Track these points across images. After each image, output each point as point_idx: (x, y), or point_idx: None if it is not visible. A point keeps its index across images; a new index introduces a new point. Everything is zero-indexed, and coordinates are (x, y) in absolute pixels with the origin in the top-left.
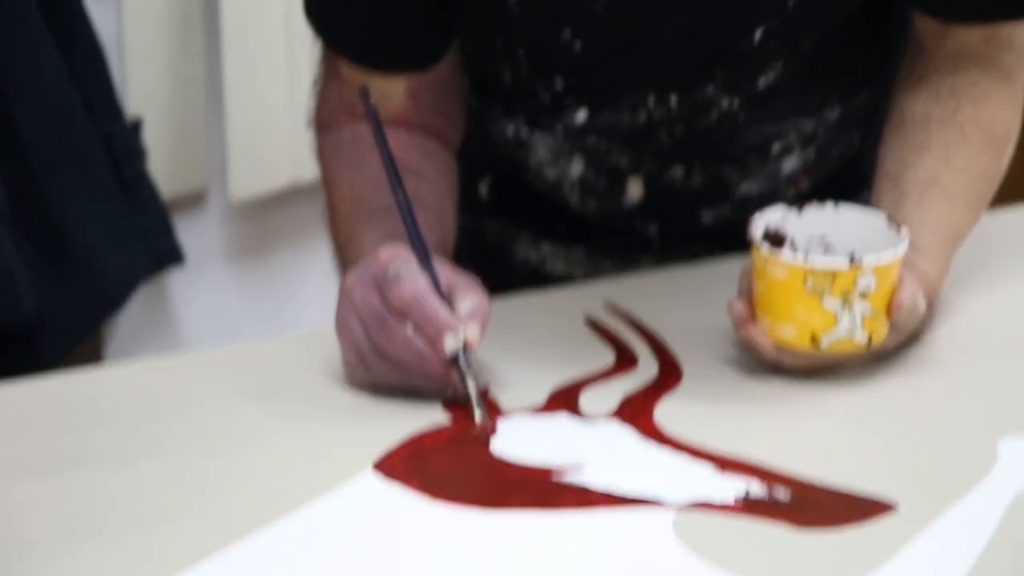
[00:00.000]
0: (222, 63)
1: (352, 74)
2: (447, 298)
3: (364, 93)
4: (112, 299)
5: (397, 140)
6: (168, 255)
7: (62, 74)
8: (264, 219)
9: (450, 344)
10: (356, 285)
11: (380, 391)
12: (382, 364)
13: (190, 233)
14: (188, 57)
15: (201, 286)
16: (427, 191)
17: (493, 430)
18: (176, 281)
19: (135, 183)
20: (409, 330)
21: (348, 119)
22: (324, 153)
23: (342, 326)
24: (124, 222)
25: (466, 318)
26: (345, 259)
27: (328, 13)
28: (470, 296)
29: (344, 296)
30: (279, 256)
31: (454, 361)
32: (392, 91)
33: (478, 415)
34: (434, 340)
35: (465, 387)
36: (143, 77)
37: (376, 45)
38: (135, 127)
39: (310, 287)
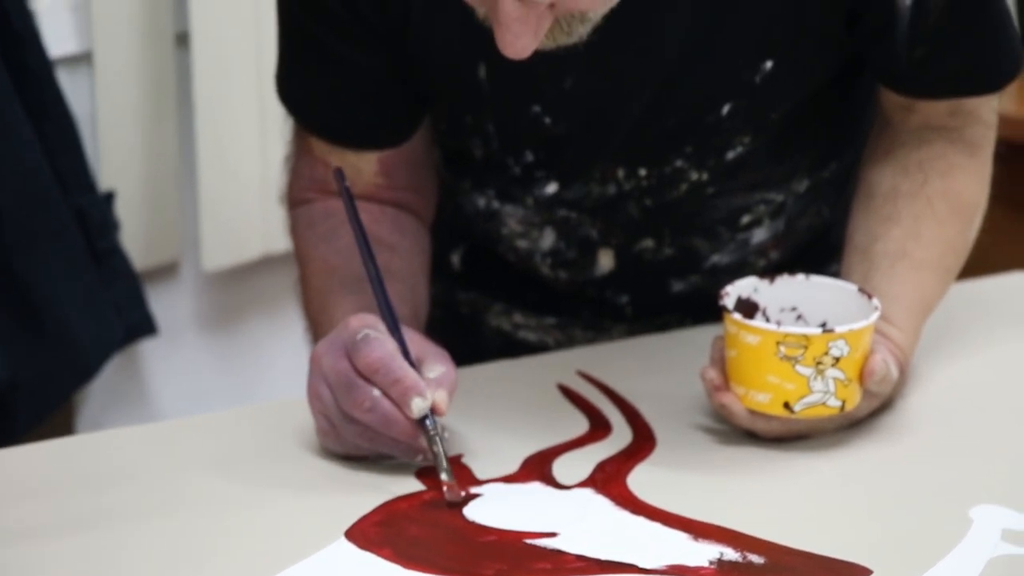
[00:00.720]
0: (195, 135)
1: (323, 151)
2: (416, 366)
3: (338, 174)
4: (84, 369)
5: (369, 214)
6: (141, 325)
7: (35, 147)
8: (236, 289)
9: (418, 405)
10: (326, 352)
11: (353, 458)
12: (351, 429)
13: (163, 303)
14: (161, 130)
15: (173, 356)
16: (399, 264)
17: (461, 495)
18: (148, 351)
19: (108, 255)
20: (376, 393)
21: (320, 195)
22: (297, 228)
23: (313, 394)
24: (97, 293)
25: (434, 383)
26: (318, 331)
27: (298, 91)
28: (439, 365)
29: (314, 364)
30: (251, 326)
31: (422, 424)
32: (363, 167)
33: (445, 476)
34: (401, 402)
35: (433, 451)
36: (116, 150)
37: (346, 123)
38: (108, 199)
39: (282, 357)
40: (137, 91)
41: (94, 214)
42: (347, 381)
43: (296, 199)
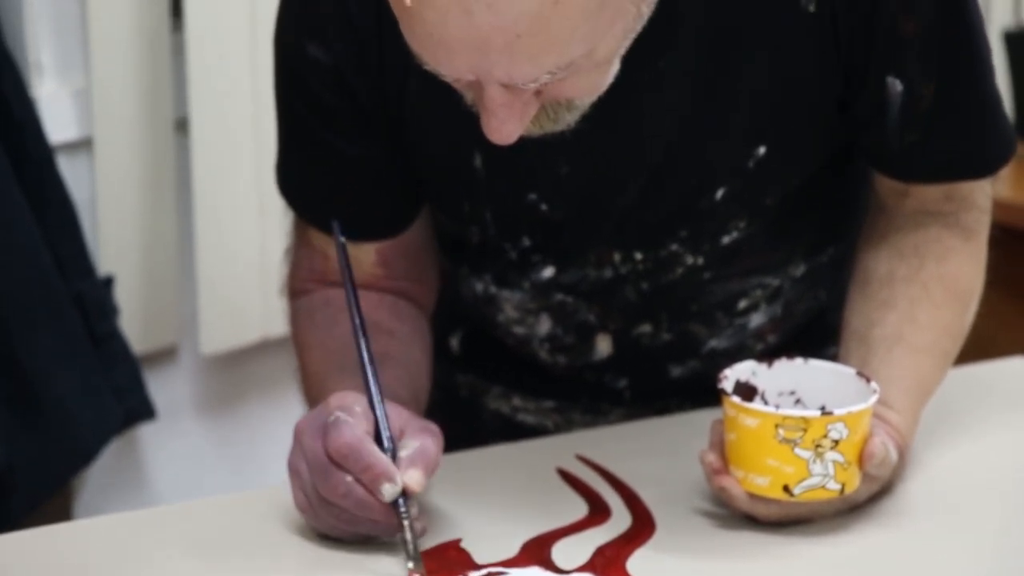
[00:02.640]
0: (193, 220)
1: (322, 242)
2: (395, 440)
3: (338, 238)
4: (83, 453)
5: (368, 301)
6: (139, 410)
7: (34, 232)
8: (235, 373)
9: (388, 491)
10: (306, 430)
11: (333, 537)
12: (328, 510)
13: (161, 387)
14: (160, 214)
15: (172, 440)
16: (399, 348)
17: None
18: (147, 435)
19: (107, 339)
20: (349, 479)
21: (319, 286)
22: (297, 319)
23: (292, 469)
24: (96, 378)
25: (406, 464)
26: None
27: (296, 183)
28: (415, 440)
29: (296, 440)
30: (250, 409)
31: (395, 508)
32: (362, 258)
33: (411, 565)
34: (372, 488)
35: (403, 534)
36: (115, 235)
37: (343, 215)
38: (107, 284)
39: (281, 440)
40: (137, 177)
41: (93, 298)
42: (322, 466)
43: (296, 290)
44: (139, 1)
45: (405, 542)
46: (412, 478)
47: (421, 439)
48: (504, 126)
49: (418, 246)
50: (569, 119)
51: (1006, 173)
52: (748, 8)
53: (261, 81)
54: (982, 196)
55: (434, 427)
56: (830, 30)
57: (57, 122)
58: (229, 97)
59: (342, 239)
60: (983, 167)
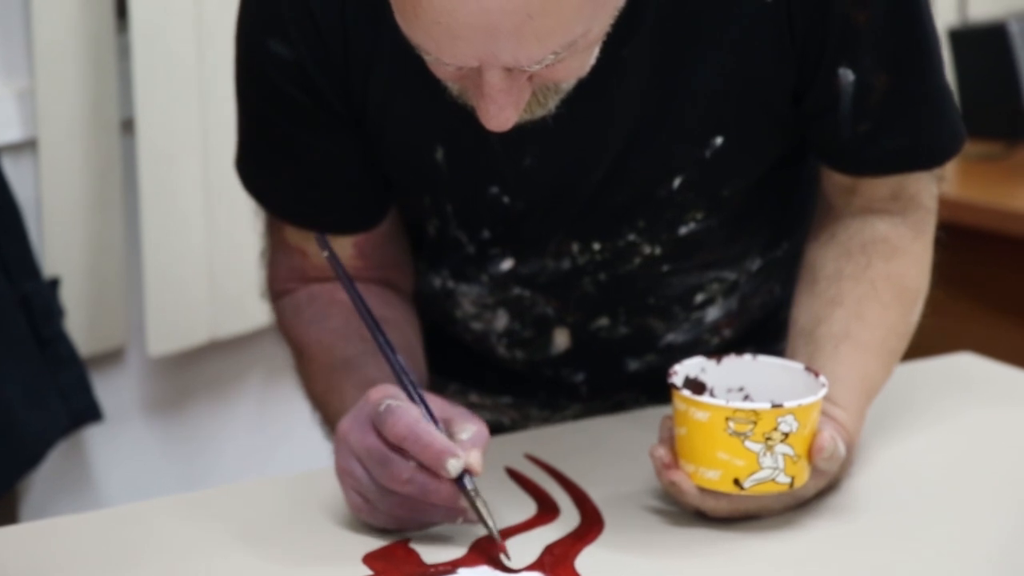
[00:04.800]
0: (140, 221)
1: (298, 239)
2: (444, 428)
3: (322, 242)
4: (29, 457)
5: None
6: (86, 412)
7: None
8: (182, 374)
9: (453, 465)
10: (351, 429)
11: (390, 529)
12: (390, 501)
13: (108, 389)
14: (106, 216)
15: (119, 442)
16: (395, 336)
17: (507, 552)
18: (94, 437)
19: (53, 341)
20: (412, 463)
21: (301, 284)
22: (284, 318)
23: (343, 471)
24: (42, 380)
25: (468, 445)
26: (327, 411)
27: (266, 181)
28: (470, 424)
29: (340, 442)
30: (198, 411)
31: (460, 485)
32: (341, 252)
33: (493, 531)
34: (436, 466)
35: (475, 509)
36: (61, 236)
37: (318, 210)
38: (52, 286)
39: (229, 441)
40: (82, 178)
41: (39, 301)
42: (380, 456)
43: (278, 291)
44: (84, 2)
45: (479, 513)
46: (476, 458)
47: (475, 423)
48: (503, 112)
49: (393, 234)
50: (553, 103)
51: (951, 171)
52: None
53: (207, 82)
54: (928, 196)
55: (473, 413)
56: (785, 20)
57: (1, 123)
58: (175, 98)
59: (327, 246)
60: (931, 158)
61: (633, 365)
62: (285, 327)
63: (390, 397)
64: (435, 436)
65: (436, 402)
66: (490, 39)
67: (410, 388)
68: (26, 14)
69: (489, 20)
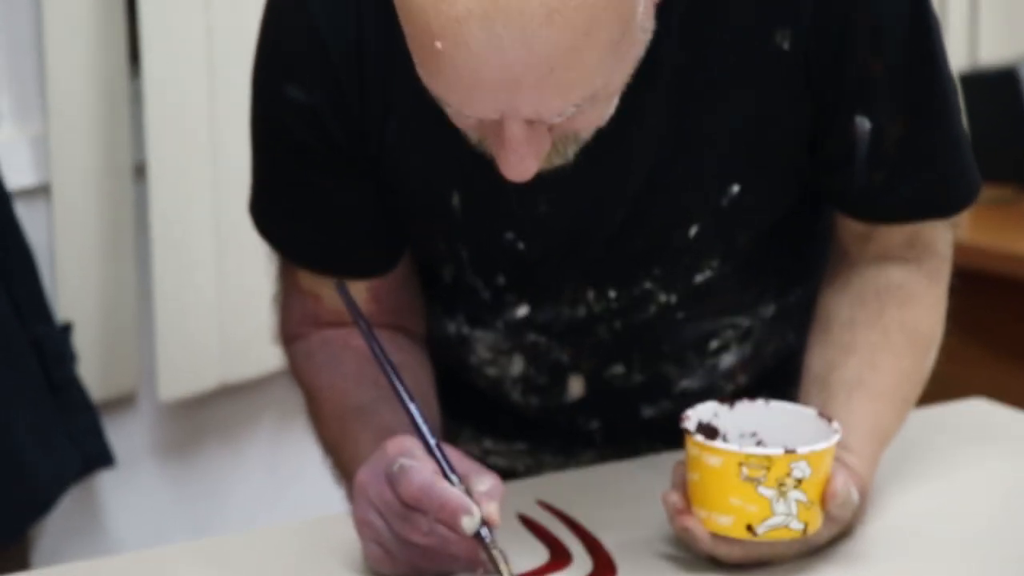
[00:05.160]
0: (152, 266)
1: (312, 284)
2: (463, 480)
3: (342, 290)
4: (41, 502)
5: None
6: (98, 457)
7: None
8: (193, 419)
9: (467, 524)
10: (370, 482)
11: None
12: (409, 551)
13: (120, 434)
14: (118, 261)
15: (131, 487)
16: (410, 381)
17: None
18: (106, 482)
19: (65, 386)
20: (429, 519)
21: (313, 328)
22: (297, 362)
23: (361, 522)
24: (54, 425)
25: (485, 498)
26: (340, 457)
27: (280, 225)
28: (486, 477)
29: (359, 493)
30: (209, 456)
31: (479, 538)
32: (355, 296)
33: None
34: (452, 524)
35: (492, 560)
36: (73, 281)
37: (332, 255)
38: (65, 330)
39: (241, 486)
40: (95, 223)
41: (51, 345)
42: (398, 511)
43: (290, 335)
44: (97, 47)
45: (496, 563)
46: (493, 510)
47: (490, 476)
48: (523, 163)
49: (406, 279)
50: (572, 152)
51: (968, 217)
52: (724, 45)
53: (219, 127)
54: (943, 243)
55: (488, 468)
56: (802, 68)
57: (15, 168)
58: (187, 143)
59: (346, 293)
60: (947, 207)
61: (648, 412)
62: (298, 372)
63: (406, 453)
64: (450, 494)
65: (452, 454)
66: (512, 93)
67: (428, 440)
68: (40, 59)
69: (511, 74)
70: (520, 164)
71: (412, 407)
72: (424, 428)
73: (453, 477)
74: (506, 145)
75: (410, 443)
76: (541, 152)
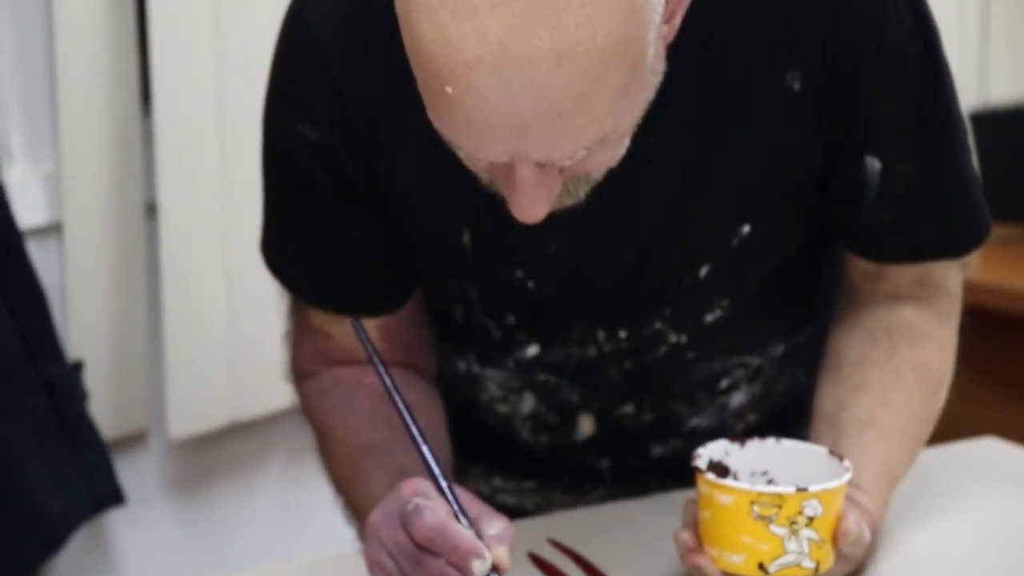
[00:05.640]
0: (162, 304)
1: (323, 322)
2: (474, 523)
3: (358, 329)
4: (52, 540)
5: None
6: (109, 495)
7: (3, 317)
8: (204, 457)
9: (478, 568)
10: (382, 523)
11: None
12: None
13: (130, 472)
14: (129, 299)
15: (142, 524)
16: (422, 420)
17: None
18: (116, 520)
19: (76, 424)
20: (442, 561)
21: (324, 367)
22: (308, 401)
23: (373, 563)
24: (65, 463)
25: (495, 542)
26: (352, 496)
27: (291, 263)
28: (497, 521)
29: (371, 534)
30: (219, 493)
31: None
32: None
33: None
34: (463, 567)
35: None
36: (84, 319)
37: (342, 293)
38: (76, 369)
39: (251, 524)
40: (106, 261)
41: (62, 383)
42: (410, 553)
43: (301, 373)
44: (109, 86)
45: None
46: (503, 554)
47: (501, 520)
48: (534, 205)
49: (417, 317)
50: (583, 192)
51: (978, 256)
52: (734, 85)
53: (230, 166)
54: (953, 282)
55: (498, 512)
56: (812, 109)
57: (27, 206)
58: (198, 181)
59: (362, 331)
60: (957, 247)
61: (658, 451)
62: (309, 410)
63: (420, 494)
64: (462, 537)
65: (464, 496)
66: (522, 137)
67: (440, 482)
68: (52, 99)
69: (521, 119)
70: (531, 207)
71: (425, 448)
72: (436, 469)
73: (464, 520)
74: (517, 188)
75: (424, 485)
76: (552, 194)
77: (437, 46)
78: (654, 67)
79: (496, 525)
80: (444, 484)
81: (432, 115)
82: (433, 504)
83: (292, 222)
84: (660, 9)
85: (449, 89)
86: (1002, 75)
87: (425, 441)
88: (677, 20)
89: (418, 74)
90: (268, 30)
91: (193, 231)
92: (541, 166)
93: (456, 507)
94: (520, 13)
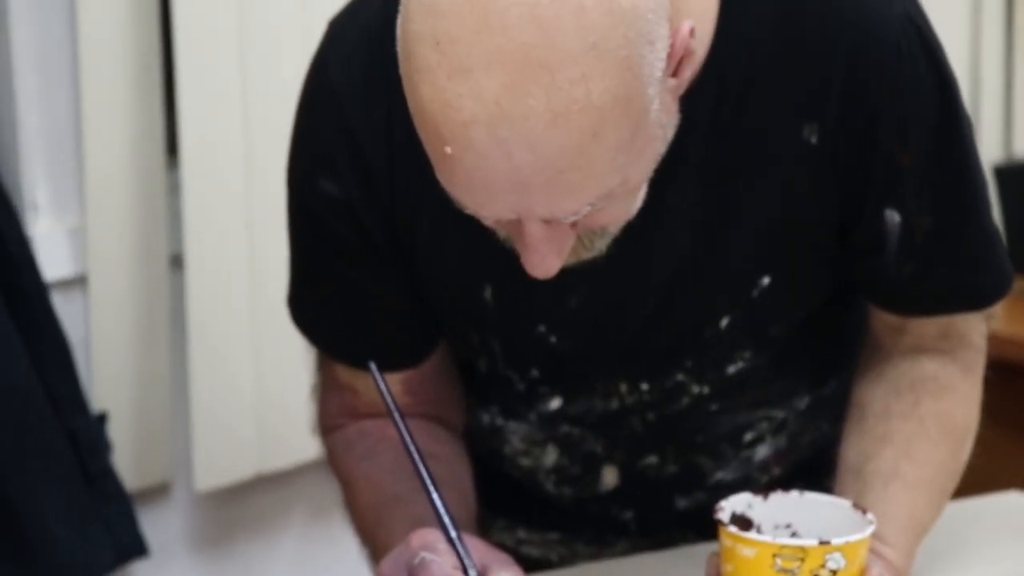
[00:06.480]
0: (188, 356)
1: (348, 376)
2: (482, 574)
3: (375, 374)
4: None
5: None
6: (132, 547)
7: (28, 369)
8: (229, 510)
9: None
10: (392, 573)
11: None
12: None
13: (154, 524)
14: (154, 351)
15: None
16: (446, 472)
17: None
18: (140, 573)
19: (100, 476)
20: None
21: (351, 420)
22: (335, 453)
23: None
24: (88, 515)
25: None
26: (375, 546)
27: (315, 318)
28: (504, 572)
29: None
30: (244, 547)
31: None
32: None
33: None
34: None
35: None
36: (109, 371)
37: (365, 348)
38: (100, 421)
39: None
40: (131, 313)
41: (86, 436)
42: None
43: (328, 427)
44: (135, 139)
45: None
46: None
47: (508, 571)
48: (545, 260)
49: (442, 370)
50: (602, 245)
51: (1002, 308)
52: (750, 138)
53: (256, 218)
54: (977, 335)
55: (511, 559)
56: (830, 161)
57: (52, 259)
58: (224, 234)
59: (379, 379)
60: (980, 300)
61: (682, 503)
62: (335, 462)
63: (429, 546)
64: None
65: (477, 546)
66: (523, 194)
67: (449, 531)
68: (78, 151)
69: (520, 177)
70: (542, 262)
71: (436, 496)
72: (446, 518)
73: (472, 572)
74: (527, 244)
75: (434, 536)
76: (564, 249)
77: (436, 106)
78: (661, 120)
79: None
80: (454, 534)
81: (438, 175)
82: (439, 558)
83: (315, 277)
84: (661, 64)
85: (448, 149)
86: None
87: (437, 489)
88: (687, 74)
89: (421, 135)
90: (295, 82)
91: (220, 283)
92: (548, 222)
93: (464, 558)
94: (514, 72)
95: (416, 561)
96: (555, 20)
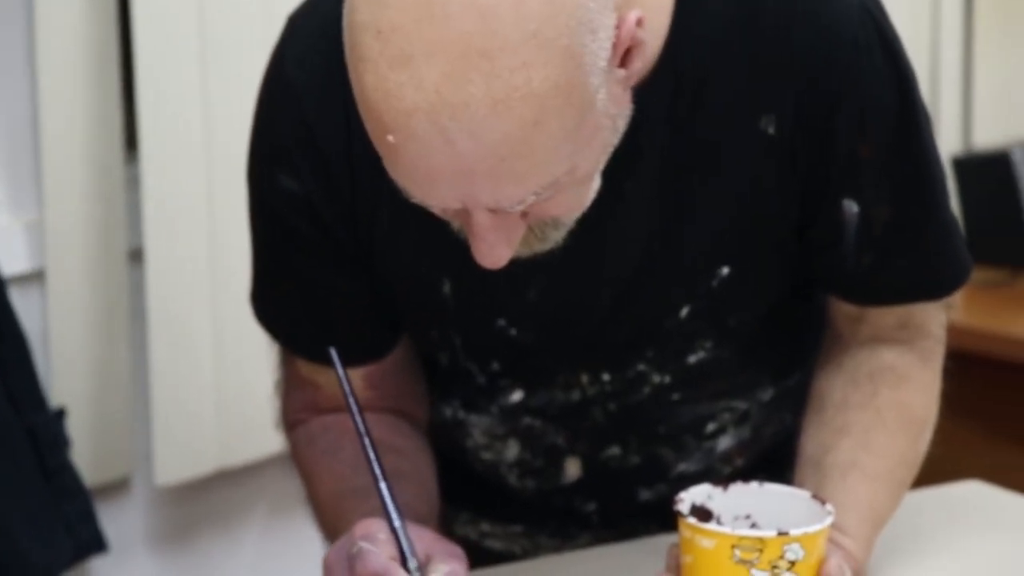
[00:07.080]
0: (148, 351)
1: (310, 371)
2: (424, 565)
3: (332, 353)
4: None
5: (368, 422)
6: (91, 543)
7: None
8: (190, 505)
9: None
10: (334, 564)
11: None
12: None
13: (114, 520)
14: (113, 346)
15: (124, 573)
16: (408, 465)
17: None
18: (99, 569)
19: (58, 472)
20: None
21: (313, 415)
22: (297, 448)
23: None
24: (47, 511)
25: None
26: (335, 539)
27: (276, 312)
28: (445, 565)
29: (325, 572)
30: (204, 542)
31: None
32: (352, 383)
33: None
34: None
35: None
36: (67, 366)
37: (326, 342)
38: (59, 416)
39: (236, 573)
40: (90, 308)
41: (45, 431)
42: None
43: (291, 422)
44: (93, 133)
45: None
46: None
47: (450, 563)
48: (494, 250)
49: (404, 364)
50: (556, 237)
51: (960, 298)
52: (708, 132)
53: (216, 212)
54: (936, 324)
55: (459, 550)
56: (789, 153)
57: (9, 254)
58: (184, 227)
59: (338, 363)
60: (937, 289)
61: (645, 495)
62: (298, 457)
63: (368, 536)
64: None
65: (424, 536)
66: (467, 183)
67: (393, 521)
68: (35, 146)
69: (463, 164)
70: (491, 252)
71: (382, 484)
72: (391, 508)
73: (412, 562)
74: (475, 234)
75: (376, 526)
76: (513, 239)
77: (378, 95)
78: (609, 111)
79: (441, 568)
80: (397, 523)
81: (385, 164)
82: (375, 548)
83: (276, 272)
84: (605, 54)
85: (391, 138)
86: (985, 120)
87: (385, 477)
88: (636, 65)
89: (367, 124)
90: (254, 76)
91: (180, 277)
92: (495, 211)
93: (406, 548)
94: (454, 60)
95: (354, 551)
96: (495, 9)
